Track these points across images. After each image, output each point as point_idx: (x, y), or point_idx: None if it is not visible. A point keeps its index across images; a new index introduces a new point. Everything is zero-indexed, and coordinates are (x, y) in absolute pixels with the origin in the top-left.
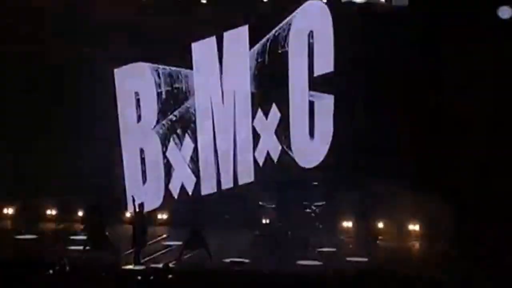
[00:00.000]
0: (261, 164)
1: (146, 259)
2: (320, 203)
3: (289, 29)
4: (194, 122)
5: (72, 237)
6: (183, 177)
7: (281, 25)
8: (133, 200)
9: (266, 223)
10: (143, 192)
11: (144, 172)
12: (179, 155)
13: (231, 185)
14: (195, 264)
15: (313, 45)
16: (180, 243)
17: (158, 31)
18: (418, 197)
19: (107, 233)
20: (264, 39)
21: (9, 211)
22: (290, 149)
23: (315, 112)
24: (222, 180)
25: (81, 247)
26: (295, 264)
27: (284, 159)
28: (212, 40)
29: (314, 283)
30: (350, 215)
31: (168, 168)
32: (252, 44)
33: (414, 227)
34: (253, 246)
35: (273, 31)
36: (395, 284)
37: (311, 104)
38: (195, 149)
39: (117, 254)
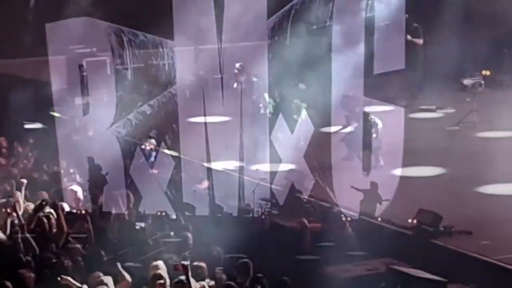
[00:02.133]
0: (281, 202)
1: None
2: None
3: None
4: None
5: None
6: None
7: None
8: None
9: (263, 218)
10: None
11: None
12: (150, 174)
13: None
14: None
15: (372, 21)
16: (177, 239)
17: None
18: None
19: None
20: (287, 6)
21: None
22: (331, 189)
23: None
24: None
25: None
26: (294, 259)
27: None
28: None
29: (314, 278)
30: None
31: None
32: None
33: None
34: (251, 241)
35: None
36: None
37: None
38: (177, 167)
39: None
